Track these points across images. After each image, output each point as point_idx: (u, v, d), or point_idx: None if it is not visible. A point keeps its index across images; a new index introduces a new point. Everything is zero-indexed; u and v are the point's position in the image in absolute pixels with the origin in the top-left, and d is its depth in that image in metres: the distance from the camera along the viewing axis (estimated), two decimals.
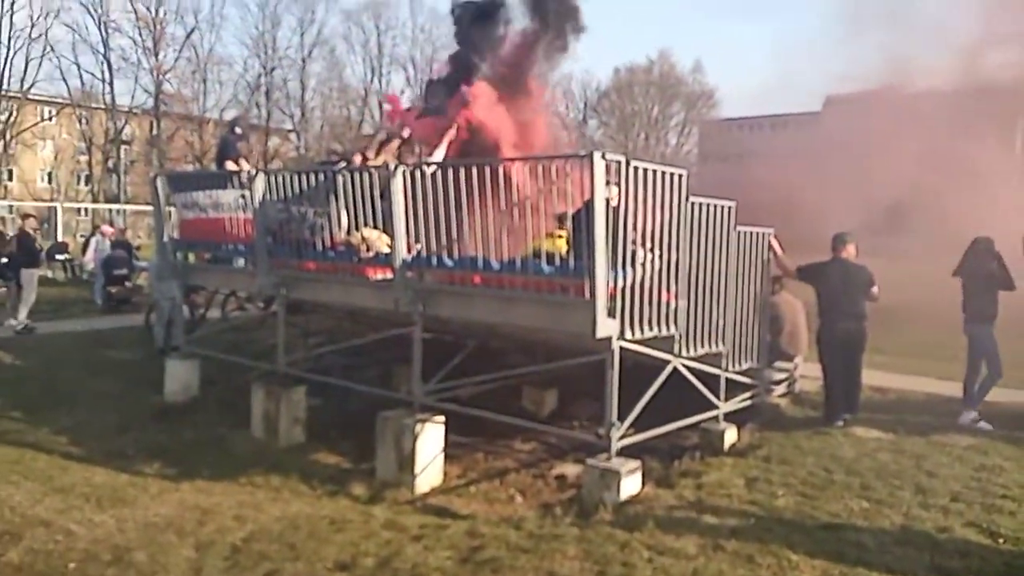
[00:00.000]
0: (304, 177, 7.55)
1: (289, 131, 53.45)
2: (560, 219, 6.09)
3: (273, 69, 50.94)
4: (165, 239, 9.35)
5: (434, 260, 6.42)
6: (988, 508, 5.23)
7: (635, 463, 5.83)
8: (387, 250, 6.64)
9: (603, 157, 5.34)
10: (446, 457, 6.95)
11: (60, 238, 24.16)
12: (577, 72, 60.25)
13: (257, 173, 7.89)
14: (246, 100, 50.29)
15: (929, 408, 7.88)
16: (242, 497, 6.18)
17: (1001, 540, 4.74)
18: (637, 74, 62.73)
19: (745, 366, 7.38)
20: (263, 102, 50.78)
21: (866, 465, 6.11)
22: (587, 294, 5.48)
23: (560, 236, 6.01)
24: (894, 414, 7.66)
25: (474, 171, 5.96)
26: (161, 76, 47.90)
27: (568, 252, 5.80)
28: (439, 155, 8.17)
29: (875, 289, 7.46)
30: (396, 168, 6.40)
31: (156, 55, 47.77)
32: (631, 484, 5.72)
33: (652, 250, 5.93)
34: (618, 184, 5.56)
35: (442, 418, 6.79)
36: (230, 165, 8.81)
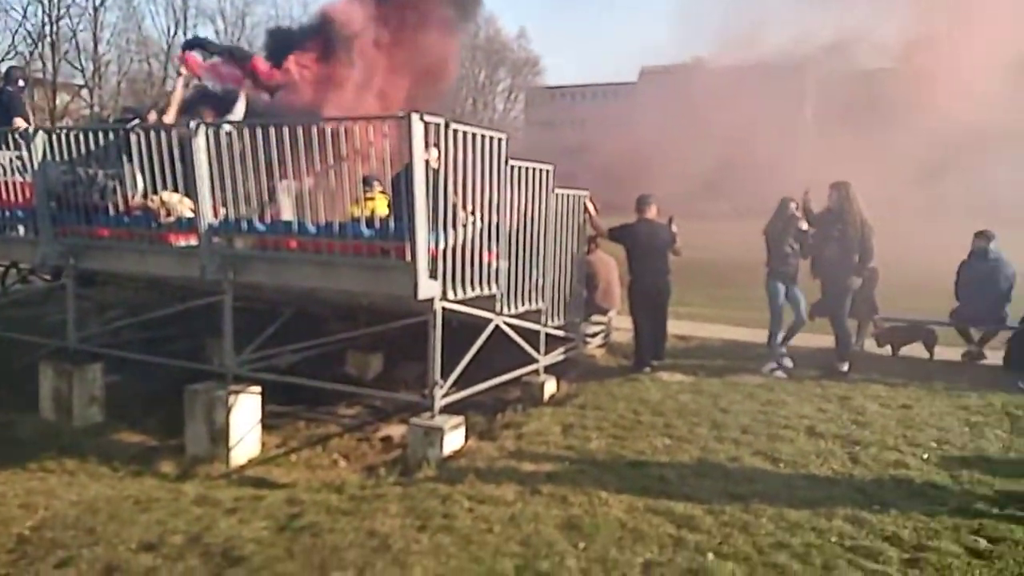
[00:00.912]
0: (92, 135, 6.85)
1: (81, 87, 48.14)
2: (366, 181, 5.95)
3: (60, 18, 45.40)
4: None
5: (244, 225, 6.09)
6: (772, 438, 5.81)
7: (458, 419, 5.93)
8: (190, 214, 6.21)
9: (421, 119, 5.28)
10: (265, 427, 6.73)
11: None
12: None
13: (36, 131, 7.05)
14: (28, 52, 44.59)
15: (726, 353, 8.61)
16: (31, 484, 5.64)
17: (781, 464, 5.30)
18: (463, 39, 62.54)
19: (563, 321, 7.70)
20: (49, 55, 45.29)
21: (669, 406, 6.59)
22: (408, 256, 5.45)
23: (371, 199, 5.91)
24: (696, 359, 8.31)
25: (286, 131, 5.70)
26: None
27: (389, 215, 5.73)
28: (239, 111, 7.72)
29: (677, 245, 8.01)
30: (198, 126, 5.96)
31: None
32: (454, 439, 5.82)
33: (473, 212, 5.99)
34: (437, 146, 5.54)
35: (257, 388, 6.55)
36: (19, 122, 7.73)
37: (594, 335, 8.70)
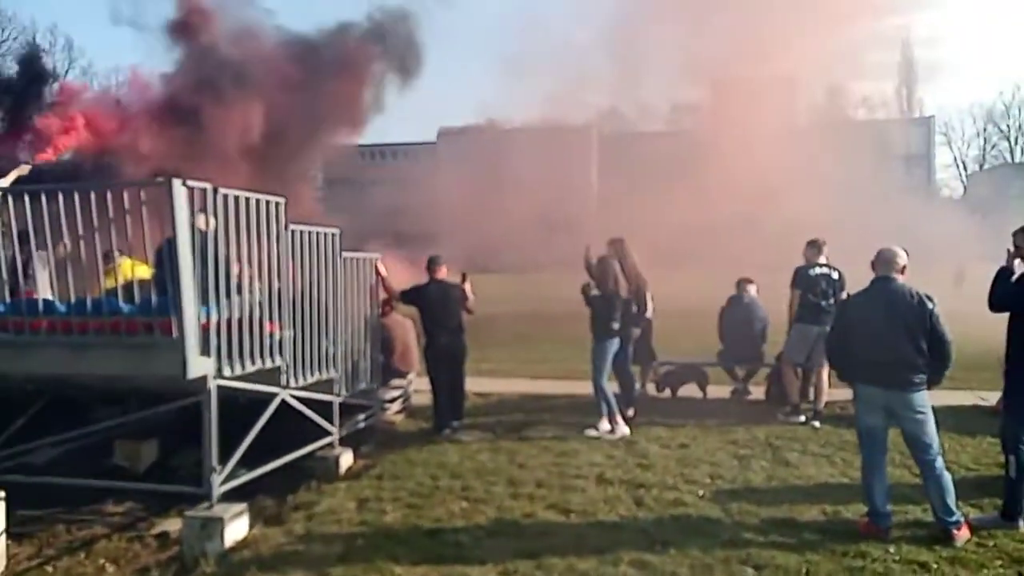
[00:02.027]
0: None
1: None
2: (105, 253, 5.47)
3: None
4: None
5: None
6: (564, 489, 5.98)
7: (240, 506, 5.50)
8: None
9: (184, 184, 4.97)
10: (12, 537, 5.86)
11: None
12: None
13: None
14: None
15: (523, 406, 8.83)
16: None
17: (572, 515, 5.45)
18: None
19: (359, 388, 7.49)
20: None
21: (467, 467, 6.59)
22: (175, 332, 5.05)
23: (110, 268, 5.45)
24: (495, 416, 8.43)
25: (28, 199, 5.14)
26: None
27: (148, 282, 5.29)
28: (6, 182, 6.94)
29: (470, 303, 8.14)
30: None
31: None
32: (237, 529, 5.38)
33: (251, 280, 5.70)
34: (203, 211, 5.23)
35: (1, 493, 5.69)
36: None
37: (393, 400, 8.55)
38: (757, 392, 9.09)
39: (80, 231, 5.23)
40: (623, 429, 7.54)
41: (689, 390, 9.15)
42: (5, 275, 5.50)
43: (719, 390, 9.22)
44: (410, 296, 8.00)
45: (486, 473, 6.41)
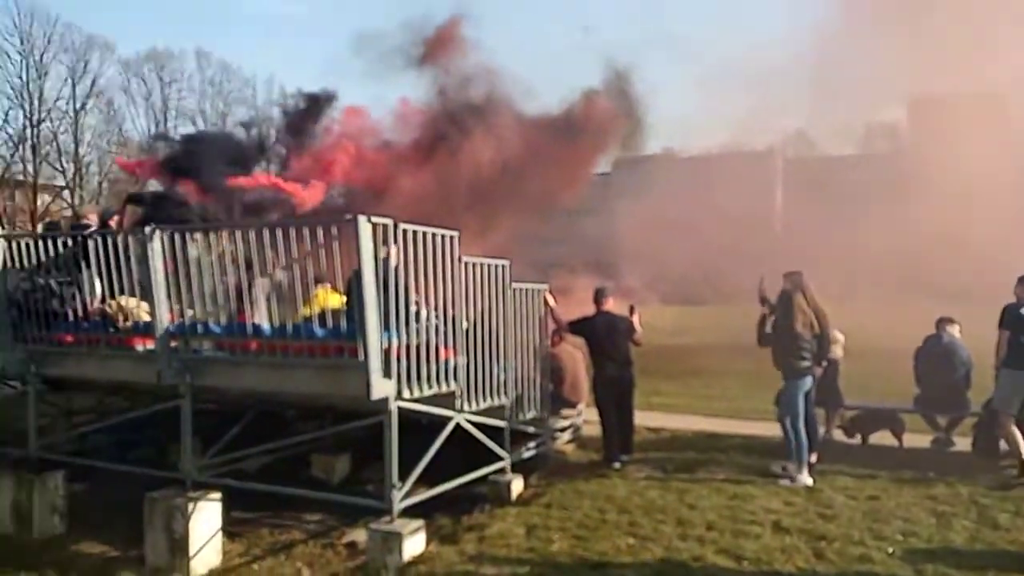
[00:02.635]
0: (49, 242, 6.94)
1: (62, 188, 48.78)
2: (317, 280, 6.02)
3: (41, 121, 46.37)
4: None
5: (199, 327, 6.11)
6: (737, 534, 5.73)
7: (417, 523, 5.82)
8: (147, 318, 6.23)
9: (369, 220, 5.40)
10: (227, 535, 6.56)
11: None
12: None
13: None
14: (8, 155, 45.31)
15: (695, 444, 8.56)
16: None
17: (745, 563, 5.22)
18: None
19: (529, 416, 7.66)
20: (29, 157, 46.03)
21: (635, 503, 6.50)
22: (360, 355, 5.47)
23: (320, 293, 5.97)
24: (666, 452, 8.25)
25: (238, 234, 5.83)
26: None
27: (340, 311, 5.78)
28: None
29: (637, 336, 8.08)
30: (153, 231, 6.07)
31: None
32: (414, 544, 5.69)
33: (429, 308, 6.05)
34: (395, 243, 5.64)
35: (218, 495, 6.42)
36: None
37: (563, 430, 8.63)
38: (963, 443, 8.19)
39: (284, 263, 5.83)
40: (806, 479, 7.09)
41: (880, 437, 8.42)
42: (229, 300, 6.21)
43: (916, 439, 8.41)
44: (577, 327, 8.08)
45: (655, 510, 6.30)
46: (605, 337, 7.88)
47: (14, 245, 7.08)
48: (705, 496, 6.66)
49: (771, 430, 8.66)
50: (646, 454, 8.08)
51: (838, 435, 8.59)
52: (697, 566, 5.18)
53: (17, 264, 6.97)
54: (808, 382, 7.34)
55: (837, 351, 8.31)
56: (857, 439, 8.44)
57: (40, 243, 6.98)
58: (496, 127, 15.23)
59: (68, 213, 44.59)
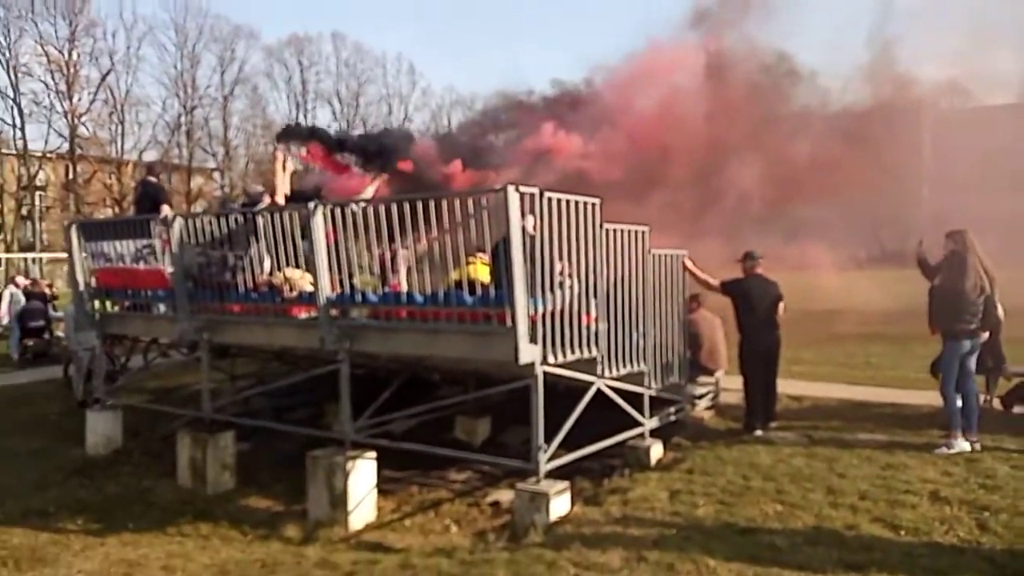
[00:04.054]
0: (222, 220, 7.54)
1: (213, 170, 52.46)
2: (478, 248, 6.25)
3: (194, 108, 49.96)
4: (81, 288, 9.13)
5: (359, 296, 6.50)
6: (892, 503, 5.55)
7: (563, 484, 5.98)
8: (311, 288, 6.69)
9: (516, 190, 5.55)
10: (380, 492, 6.96)
11: None
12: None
13: (175, 218, 7.84)
14: (166, 141, 49.12)
15: (841, 413, 8.29)
16: (170, 548, 6.08)
17: (902, 532, 5.06)
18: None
19: (668, 382, 7.66)
20: (184, 142, 49.73)
21: (781, 470, 6.40)
22: (508, 322, 5.66)
23: (473, 263, 6.18)
24: (809, 420, 8.04)
25: (394, 208, 6.11)
26: (76, 119, 46.43)
27: (490, 281, 5.98)
28: (369, 192, 8.30)
29: (782, 304, 7.88)
30: (316, 207, 6.48)
31: (70, 98, 46.27)
32: (560, 505, 5.87)
33: (570, 276, 6.15)
34: (532, 213, 5.77)
35: (373, 454, 6.82)
36: (166, 210, 8.61)
37: (701, 397, 8.58)
38: None
39: (434, 233, 6.09)
40: (963, 444, 6.75)
41: None
42: (379, 271, 6.57)
43: None
44: (731, 287, 7.95)
45: (802, 478, 6.19)
46: (759, 300, 7.76)
47: (190, 223, 7.75)
48: (855, 465, 6.47)
49: (921, 398, 8.27)
50: (789, 422, 7.91)
51: (997, 404, 8.09)
52: (851, 534, 5.06)
53: (193, 240, 7.61)
54: (967, 345, 6.95)
55: (998, 312, 7.78)
56: (1018, 409, 7.91)
57: (213, 220, 7.59)
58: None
59: (219, 193, 47.94)
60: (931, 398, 8.02)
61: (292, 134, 11.70)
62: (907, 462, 6.51)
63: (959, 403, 6.92)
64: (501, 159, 12.00)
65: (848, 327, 13.35)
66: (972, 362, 7.09)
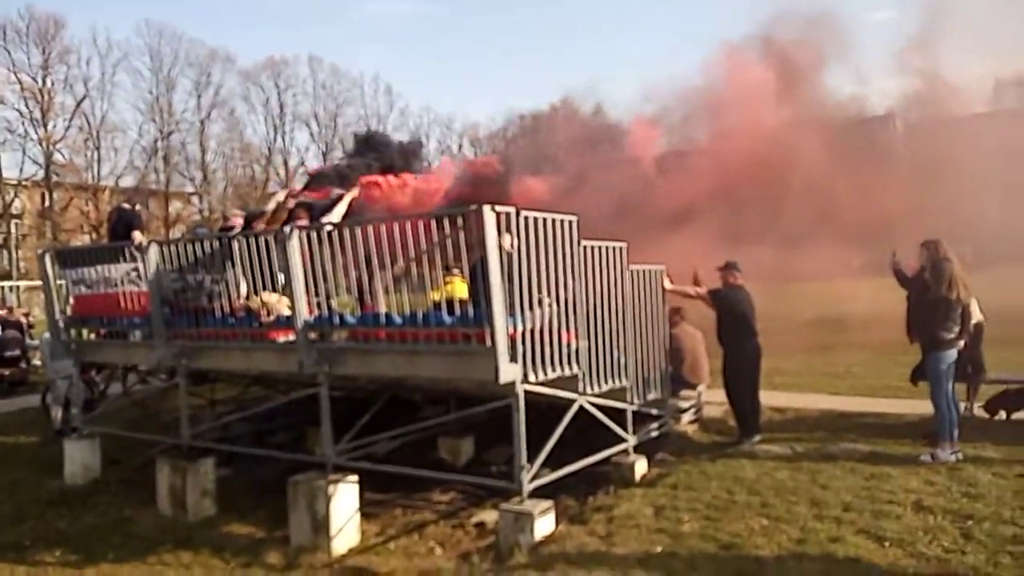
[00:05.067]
0: (198, 245, 7.47)
1: (191, 194, 52.22)
2: (447, 268, 6.22)
3: (171, 133, 49.82)
4: (57, 316, 9.00)
5: (336, 319, 6.45)
6: (876, 514, 5.56)
7: (547, 504, 5.94)
8: (288, 312, 6.63)
9: (492, 209, 5.54)
10: (363, 515, 6.88)
11: None
12: (483, 120, 61.14)
13: (150, 244, 7.77)
14: (143, 166, 48.89)
15: (823, 424, 8.31)
16: None
17: (887, 544, 5.06)
18: (541, 119, 64.44)
19: (651, 398, 7.66)
20: (161, 167, 49.50)
21: (765, 484, 6.40)
22: (488, 341, 5.63)
23: (450, 281, 6.16)
24: (792, 432, 8.06)
25: (370, 229, 6.09)
26: (51, 147, 46.11)
27: (468, 300, 5.96)
28: (337, 214, 8.24)
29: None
30: (291, 231, 6.44)
31: (45, 125, 46.00)
32: (544, 524, 5.82)
33: (549, 293, 6.15)
34: (510, 232, 5.76)
35: (355, 477, 6.75)
36: (137, 236, 8.52)
37: (685, 410, 8.57)
38: None
39: (411, 254, 6.06)
40: (946, 454, 6.78)
41: None
42: (356, 293, 6.54)
43: None
44: (722, 296, 7.97)
45: (786, 491, 6.19)
46: (747, 310, 7.84)
47: (165, 249, 7.67)
48: (839, 476, 6.48)
49: (903, 408, 8.32)
50: (772, 434, 7.92)
51: (979, 411, 8.15)
52: (836, 547, 5.06)
53: (168, 266, 7.54)
54: (953, 355, 7.01)
55: (977, 315, 7.86)
56: (1000, 416, 7.97)
57: (189, 246, 7.52)
58: None
59: (197, 217, 47.68)
60: (914, 406, 8.09)
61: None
62: (890, 472, 6.53)
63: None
64: None
65: (824, 336, 13.46)
66: (951, 371, 7.14)
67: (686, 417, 8.59)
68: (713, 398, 8.71)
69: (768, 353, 8.10)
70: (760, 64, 14.69)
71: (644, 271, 7.51)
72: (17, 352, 14.70)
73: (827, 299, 13.83)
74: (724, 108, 14.73)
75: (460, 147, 57.09)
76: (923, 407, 7.86)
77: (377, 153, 13.27)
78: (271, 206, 8.48)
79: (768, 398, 8.55)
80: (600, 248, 6.74)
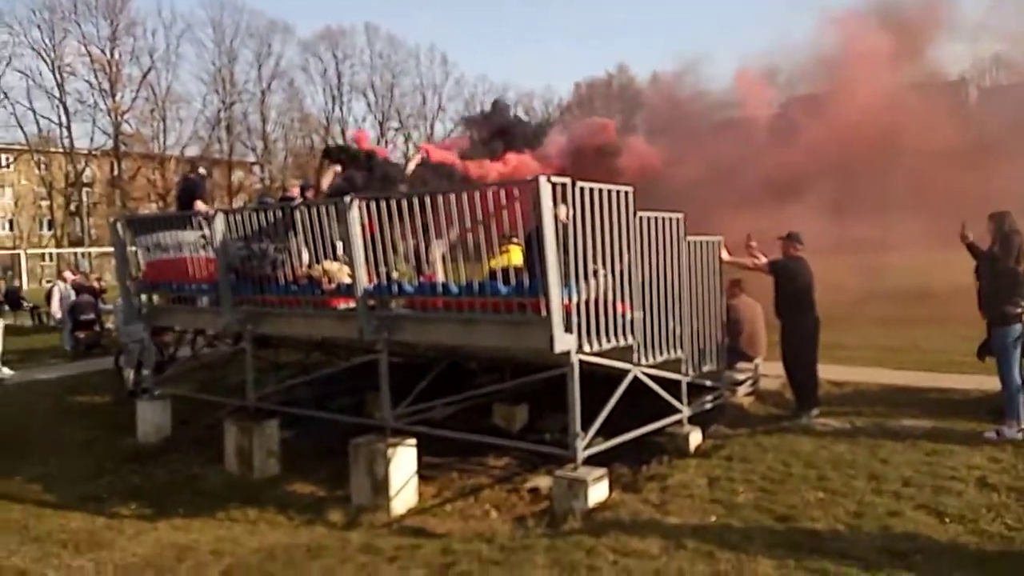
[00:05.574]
0: (262, 214, 7.69)
1: (252, 164, 53.38)
2: (507, 237, 6.27)
3: (233, 103, 50.88)
4: (129, 282, 9.39)
5: (395, 288, 6.58)
6: (937, 490, 5.47)
7: (601, 471, 6.01)
8: (348, 280, 6.79)
9: (548, 180, 5.56)
10: (421, 478, 7.06)
11: (25, 284, 23.89)
12: (538, 89, 60.66)
13: (216, 213, 8.02)
14: (207, 136, 50.13)
15: (884, 399, 8.14)
16: (219, 532, 6.26)
17: (947, 519, 4.98)
18: (597, 87, 63.66)
19: (706, 369, 7.62)
20: (224, 137, 50.67)
21: (823, 457, 6.34)
22: (543, 311, 5.68)
23: (507, 250, 6.21)
24: (851, 406, 7.92)
25: (427, 200, 6.18)
26: (119, 117, 47.59)
27: (523, 270, 6.01)
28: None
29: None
30: (351, 200, 6.56)
31: (113, 96, 47.47)
32: (598, 491, 5.90)
33: (604, 264, 6.15)
34: (565, 202, 5.77)
35: (413, 441, 6.92)
36: (200, 205, 8.85)
37: (741, 383, 8.51)
38: None
39: (468, 224, 6.13)
40: (1013, 432, 6.60)
41: None
42: (414, 262, 6.65)
43: None
44: (780, 267, 7.84)
45: (844, 465, 6.12)
46: (808, 281, 7.71)
47: (231, 218, 7.92)
48: (899, 451, 6.37)
49: (969, 383, 8.10)
50: (831, 408, 7.80)
51: None
52: (894, 521, 5.00)
53: (234, 234, 7.78)
54: (1019, 329, 6.79)
55: None
56: None
57: (253, 215, 7.75)
58: None
59: (259, 187, 48.83)
60: (980, 382, 7.86)
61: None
62: (953, 448, 6.39)
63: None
64: None
65: (888, 311, 13.10)
66: (1018, 345, 6.91)
67: (742, 389, 8.51)
68: (770, 371, 8.60)
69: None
70: (877, 29, 14.36)
71: (701, 242, 7.43)
72: (92, 316, 15.38)
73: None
74: (840, 72, 14.48)
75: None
76: (990, 383, 7.63)
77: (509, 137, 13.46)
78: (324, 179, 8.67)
79: (827, 372, 8.41)
80: (656, 219, 6.69)
